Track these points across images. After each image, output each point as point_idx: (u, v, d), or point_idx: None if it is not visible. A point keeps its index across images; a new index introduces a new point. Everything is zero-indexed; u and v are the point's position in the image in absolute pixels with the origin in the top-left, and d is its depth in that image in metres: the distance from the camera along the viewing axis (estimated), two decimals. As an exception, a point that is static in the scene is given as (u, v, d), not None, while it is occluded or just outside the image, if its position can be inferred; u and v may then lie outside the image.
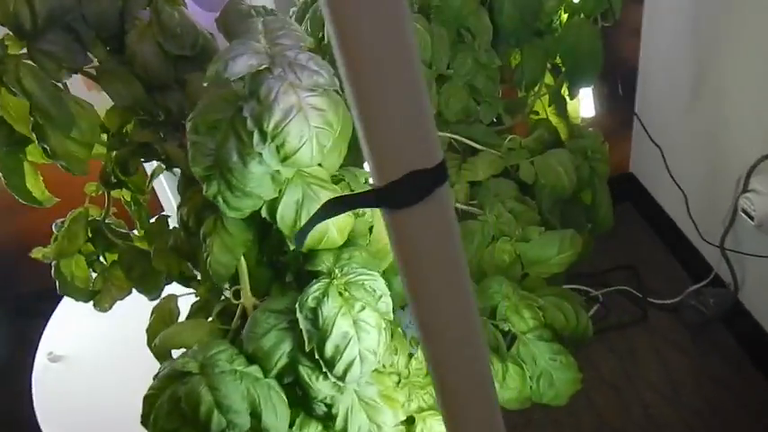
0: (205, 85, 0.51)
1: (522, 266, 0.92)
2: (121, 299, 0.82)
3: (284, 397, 0.59)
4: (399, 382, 0.68)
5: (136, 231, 0.86)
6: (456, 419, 0.49)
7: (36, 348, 1.07)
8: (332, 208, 0.39)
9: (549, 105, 1.34)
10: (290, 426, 0.64)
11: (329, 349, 0.56)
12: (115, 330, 0.95)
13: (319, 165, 0.56)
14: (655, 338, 1.66)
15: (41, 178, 0.78)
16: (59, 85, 0.67)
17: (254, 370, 0.58)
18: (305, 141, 0.48)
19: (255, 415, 0.56)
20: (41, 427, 0.96)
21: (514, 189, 1.02)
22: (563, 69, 1.25)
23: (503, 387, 0.82)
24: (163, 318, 0.69)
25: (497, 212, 0.94)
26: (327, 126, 0.49)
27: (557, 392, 0.84)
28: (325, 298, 0.56)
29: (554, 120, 1.36)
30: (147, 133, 0.68)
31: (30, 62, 0.62)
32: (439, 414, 0.70)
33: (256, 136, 0.46)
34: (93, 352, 1.04)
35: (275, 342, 0.58)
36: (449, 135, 1.08)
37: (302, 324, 0.56)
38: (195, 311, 0.71)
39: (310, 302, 0.56)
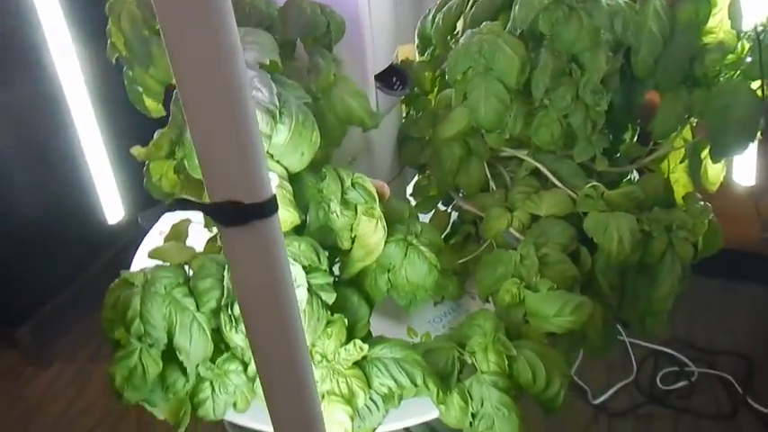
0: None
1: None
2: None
3: (207, 331, 0.71)
4: (321, 362, 0.76)
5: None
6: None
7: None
8: (176, 205, 0.48)
9: (681, 161, 1.23)
10: (219, 356, 0.76)
11: (236, 310, 0.66)
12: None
13: (278, 162, 0.64)
14: (731, 443, 1.50)
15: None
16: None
17: (189, 302, 0.70)
18: (234, 142, 0.57)
19: (170, 335, 0.69)
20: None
21: (569, 237, 0.99)
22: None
23: (447, 409, 0.86)
24: (175, 235, 0.84)
25: (525, 253, 0.93)
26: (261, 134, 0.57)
27: (495, 438, 0.85)
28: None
29: (683, 178, 1.25)
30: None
31: (135, 8, 0.78)
32: (343, 402, 0.78)
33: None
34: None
35: (209, 287, 0.70)
36: (533, 162, 1.07)
37: (226, 281, 0.67)
38: (209, 240, 0.85)
39: (236, 268, 0.66)
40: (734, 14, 1.02)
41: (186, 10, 0.39)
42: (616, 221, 0.97)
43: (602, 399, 1.61)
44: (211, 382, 0.76)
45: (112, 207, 1.54)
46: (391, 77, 1.01)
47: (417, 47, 1.19)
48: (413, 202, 1.18)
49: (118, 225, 1.83)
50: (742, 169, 1.37)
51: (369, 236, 0.78)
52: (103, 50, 0.89)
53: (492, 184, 1.09)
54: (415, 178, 1.19)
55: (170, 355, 0.74)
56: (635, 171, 1.24)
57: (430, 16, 1.15)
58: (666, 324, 1.76)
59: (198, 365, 0.74)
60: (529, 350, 0.88)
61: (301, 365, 0.54)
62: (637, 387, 1.65)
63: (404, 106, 1.14)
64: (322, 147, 0.85)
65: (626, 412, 1.59)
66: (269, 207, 0.47)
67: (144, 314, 0.68)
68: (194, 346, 0.70)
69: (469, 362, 0.87)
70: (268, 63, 0.59)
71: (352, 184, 0.73)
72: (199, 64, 0.40)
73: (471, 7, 1.10)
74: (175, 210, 0.48)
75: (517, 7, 0.91)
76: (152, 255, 0.78)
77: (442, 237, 1.17)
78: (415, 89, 1.09)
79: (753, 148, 1.31)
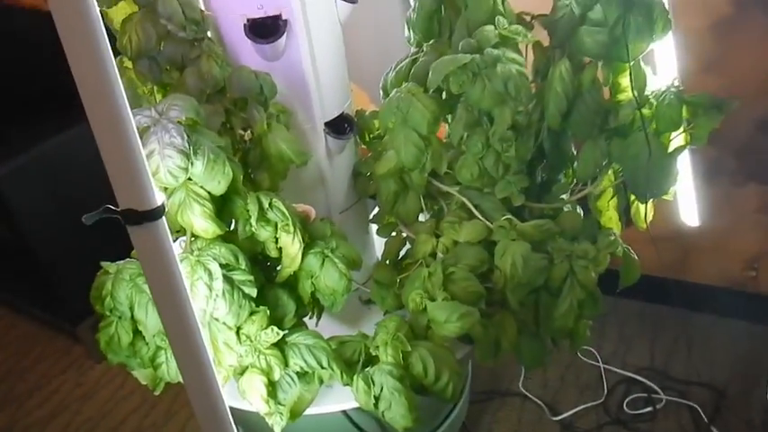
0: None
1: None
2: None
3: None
4: (246, 341, 1.00)
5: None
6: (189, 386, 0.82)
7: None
8: (105, 212, 0.75)
9: (610, 199, 1.39)
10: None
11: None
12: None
13: (201, 186, 0.90)
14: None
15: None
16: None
17: (147, 288, 0.97)
18: (160, 171, 0.83)
19: (132, 310, 0.96)
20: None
21: (479, 260, 1.19)
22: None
23: (357, 391, 1.08)
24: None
25: (432, 270, 1.14)
26: (176, 166, 0.83)
27: (393, 417, 1.06)
28: (182, 263, 0.91)
29: (615, 216, 1.41)
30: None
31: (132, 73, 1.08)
32: (262, 374, 1.01)
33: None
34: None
35: (158, 277, 0.96)
36: (460, 196, 1.27)
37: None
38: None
39: (174, 263, 0.92)
40: (632, 78, 1.19)
41: (89, 82, 0.66)
42: (513, 248, 1.16)
43: (563, 416, 1.75)
44: (165, 351, 1.02)
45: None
46: (343, 123, 1.26)
47: (382, 97, 1.44)
48: (374, 228, 1.42)
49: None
50: (687, 210, 1.52)
51: (288, 247, 1.02)
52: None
53: (425, 214, 1.30)
54: (376, 208, 1.42)
55: (138, 330, 1.01)
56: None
57: (391, 73, 1.40)
58: (644, 353, 1.88)
59: (154, 336, 1.00)
60: (424, 348, 1.09)
61: (188, 324, 0.78)
62: (604, 409, 1.77)
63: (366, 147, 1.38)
64: (269, 178, 1.11)
65: (590, 431, 1.72)
66: (155, 213, 0.72)
67: (113, 294, 0.95)
68: (149, 320, 0.96)
69: (373, 353, 1.09)
70: (184, 119, 0.85)
71: (270, 206, 0.98)
72: (98, 121, 0.67)
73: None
74: (105, 215, 0.75)
75: (430, 72, 1.13)
76: (132, 254, 1.05)
77: (399, 258, 1.40)
78: (369, 134, 1.33)
79: (691, 190, 1.47)
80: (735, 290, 1.95)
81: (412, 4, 1.25)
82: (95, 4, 0.66)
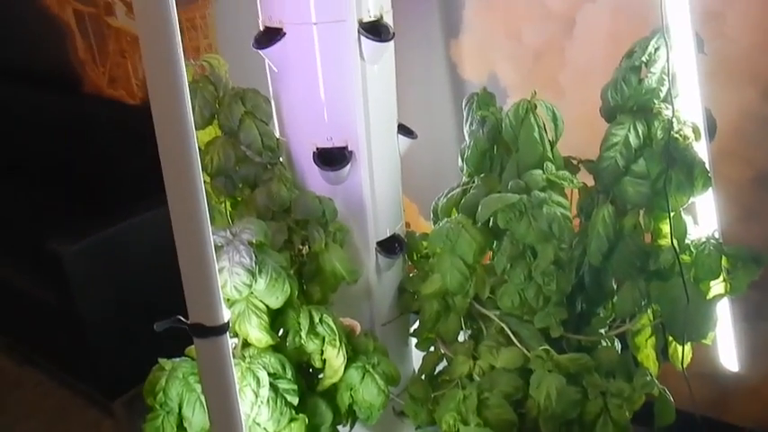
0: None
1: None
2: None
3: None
4: (282, 446, 1.05)
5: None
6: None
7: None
8: (175, 322, 0.83)
9: (648, 338, 1.41)
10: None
11: (221, 396, 0.98)
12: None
13: (261, 300, 0.98)
14: None
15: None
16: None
17: (198, 387, 1.03)
18: (227, 285, 0.92)
19: (180, 407, 1.02)
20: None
21: (514, 387, 1.22)
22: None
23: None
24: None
25: (467, 394, 1.17)
26: (242, 283, 0.92)
27: None
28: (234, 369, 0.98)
29: (652, 354, 1.42)
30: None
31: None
32: (293, 481, 1.04)
33: (212, 273, 0.91)
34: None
35: (210, 378, 1.02)
36: (499, 322, 1.32)
37: (219, 376, 0.99)
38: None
39: (226, 367, 0.99)
40: (672, 228, 1.25)
41: (182, 212, 0.75)
42: (549, 380, 1.18)
43: None
44: (206, 449, 1.07)
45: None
46: (394, 243, 1.34)
47: (432, 219, 1.52)
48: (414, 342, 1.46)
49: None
50: (727, 355, 1.51)
51: (333, 359, 1.08)
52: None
53: (464, 332, 1.35)
54: (417, 322, 1.47)
55: (183, 426, 1.07)
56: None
57: (442, 198, 1.49)
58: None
59: (198, 434, 1.05)
60: (453, 473, 1.11)
61: (236, 428, 0.84)
62: None
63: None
64: (321, 291, 1.19)
65: None
66: (221, 329, 0.80)
67: (166, 390, 1.02)
68: (195, 417, 1.02)
69: (403, 471, 1.11)
70: (255, 241, 0.95)
71: (320, 321, 1.05)
72: (183, 244, 0.76)
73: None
74: (176, 324, 0.82)
75: (480, 207, 1.21)
76: (186, 352, 1.12)
77: (436, 372, 1.43)
78: (417, 253, 1.41)
79: (731, 335, 1.47)
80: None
81: (467, 139, 1.35)
82: (194, 133, 0.76)
